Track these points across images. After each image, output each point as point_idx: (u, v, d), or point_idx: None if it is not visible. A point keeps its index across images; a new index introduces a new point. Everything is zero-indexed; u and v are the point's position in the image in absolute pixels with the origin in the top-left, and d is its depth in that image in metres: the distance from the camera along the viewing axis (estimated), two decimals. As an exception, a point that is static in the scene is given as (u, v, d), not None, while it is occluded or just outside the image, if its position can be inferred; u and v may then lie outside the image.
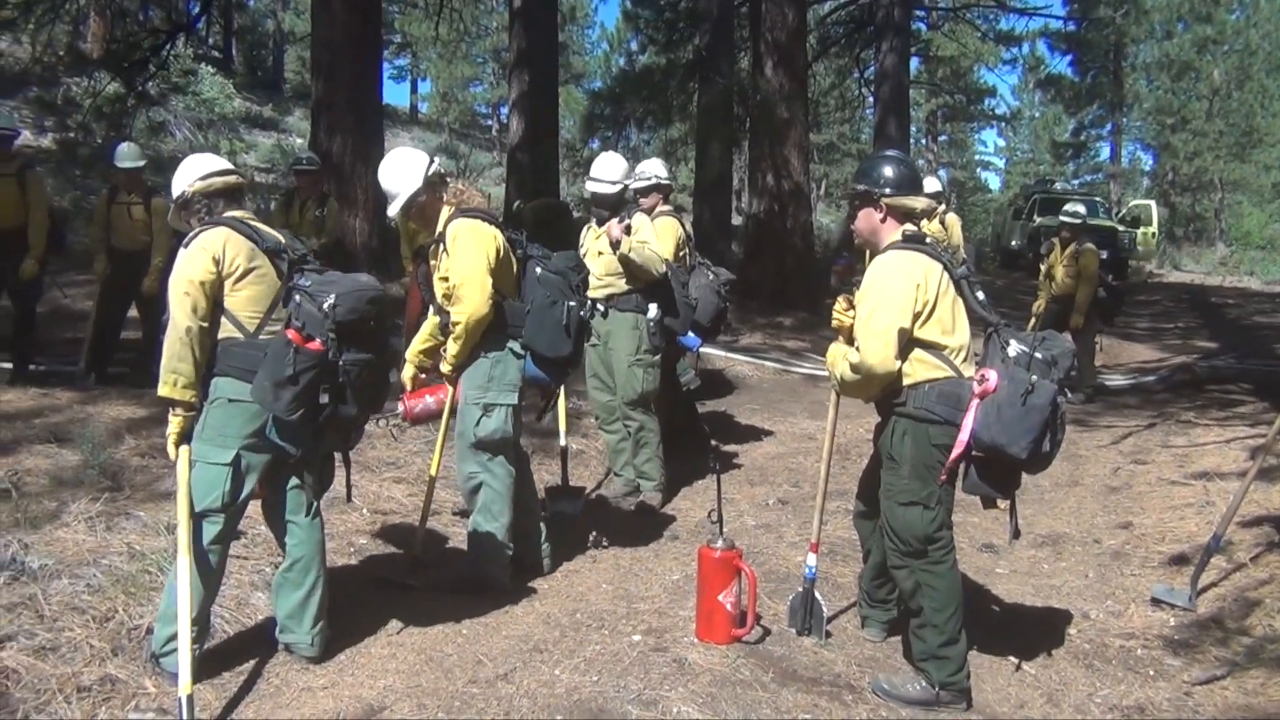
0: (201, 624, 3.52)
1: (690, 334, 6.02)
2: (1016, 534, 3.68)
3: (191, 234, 3.47)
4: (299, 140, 19.71)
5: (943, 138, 45.78)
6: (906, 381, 3.45)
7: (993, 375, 3.29)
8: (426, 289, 4.60)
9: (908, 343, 3.41)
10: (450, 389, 4.47)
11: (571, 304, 4.32)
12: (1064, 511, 6.03)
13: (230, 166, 3.70)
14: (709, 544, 3.95)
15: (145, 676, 3.49)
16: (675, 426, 6.53)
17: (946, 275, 3.45)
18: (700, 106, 15.92)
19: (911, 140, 24.22)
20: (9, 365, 7.51)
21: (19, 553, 4.03)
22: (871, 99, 22.27)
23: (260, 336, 3.48)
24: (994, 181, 53.94)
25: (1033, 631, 4.27)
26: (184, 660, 3.18)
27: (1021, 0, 23.85)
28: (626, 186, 5.79)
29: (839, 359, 3.60)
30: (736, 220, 20.98)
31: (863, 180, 3.61)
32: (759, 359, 10.33)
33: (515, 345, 4.35)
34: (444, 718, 3.38)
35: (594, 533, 5.18)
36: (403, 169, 4.27)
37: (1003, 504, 3.60)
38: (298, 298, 3.43)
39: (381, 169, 4.33)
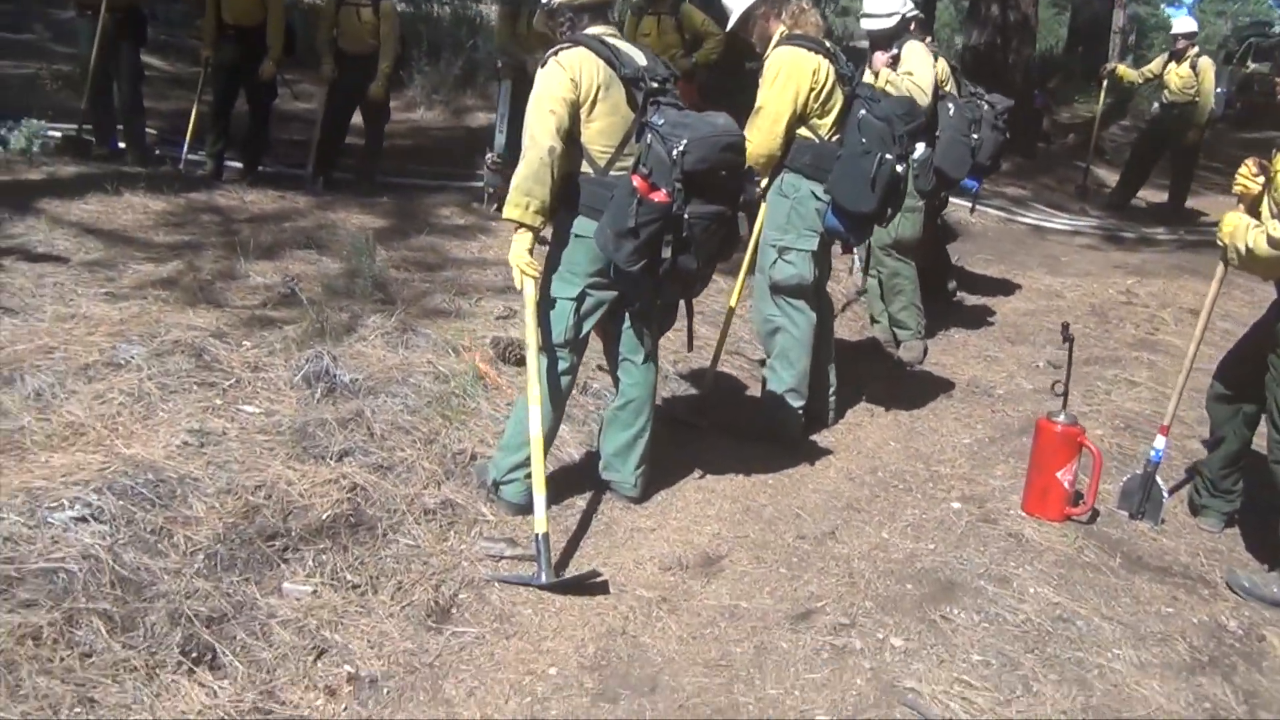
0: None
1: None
2: None
3: (550, 51, 3.21)
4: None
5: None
6: None
7: None
8: None
9: None
10: None
11: (888, 157, 3.79)
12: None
13: None
14: (1049, 416, 3.69)
15: (481, 502, 3.48)
16: (930, 278, 6.19)
17: None
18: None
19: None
20: (239, 164, 7.56)
21: (330, 365, 4.02)
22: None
23: (610, 173, 3.24)
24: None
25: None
26: (539, 500, 3.09)
27: None
28: (904, 17, 5.29)
29: (1243, 230, 3.19)
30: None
31: None
32: (982, 205, 9.69)
33: (818, 189, 4.01)
34: (786, 572, 3.29)
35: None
36: None
37: None
38: (649, 137, 3.15)
39: None
